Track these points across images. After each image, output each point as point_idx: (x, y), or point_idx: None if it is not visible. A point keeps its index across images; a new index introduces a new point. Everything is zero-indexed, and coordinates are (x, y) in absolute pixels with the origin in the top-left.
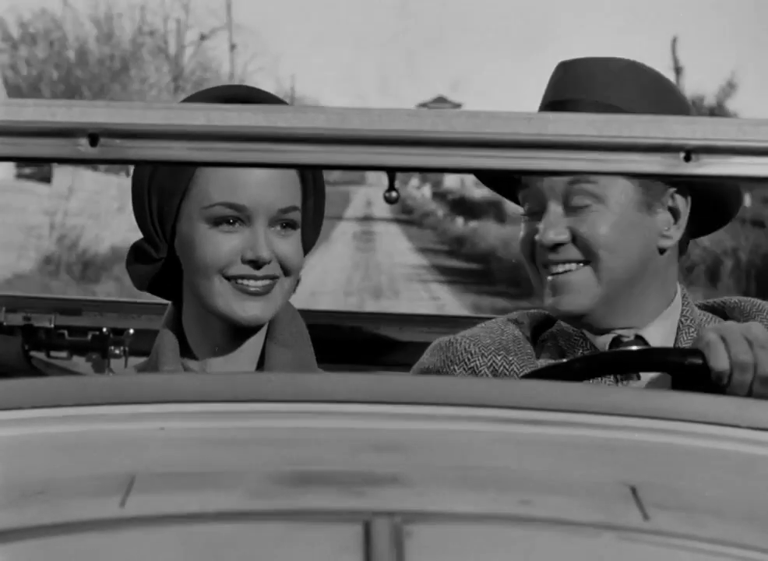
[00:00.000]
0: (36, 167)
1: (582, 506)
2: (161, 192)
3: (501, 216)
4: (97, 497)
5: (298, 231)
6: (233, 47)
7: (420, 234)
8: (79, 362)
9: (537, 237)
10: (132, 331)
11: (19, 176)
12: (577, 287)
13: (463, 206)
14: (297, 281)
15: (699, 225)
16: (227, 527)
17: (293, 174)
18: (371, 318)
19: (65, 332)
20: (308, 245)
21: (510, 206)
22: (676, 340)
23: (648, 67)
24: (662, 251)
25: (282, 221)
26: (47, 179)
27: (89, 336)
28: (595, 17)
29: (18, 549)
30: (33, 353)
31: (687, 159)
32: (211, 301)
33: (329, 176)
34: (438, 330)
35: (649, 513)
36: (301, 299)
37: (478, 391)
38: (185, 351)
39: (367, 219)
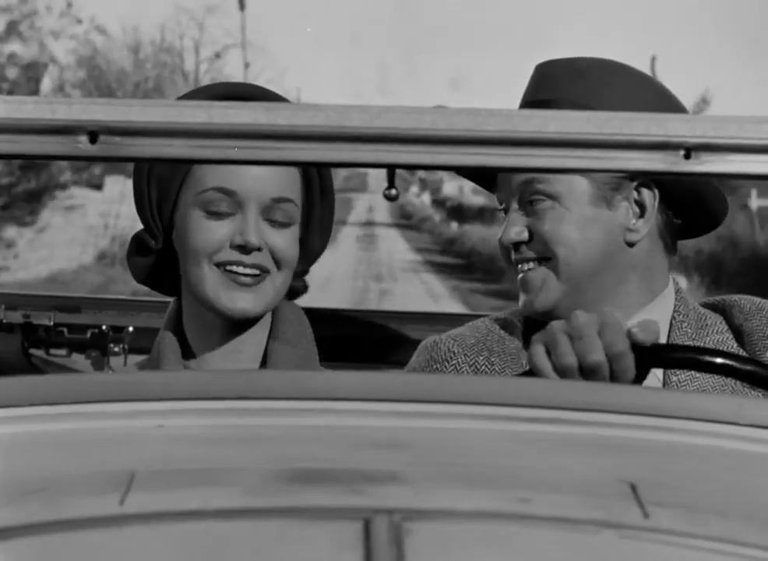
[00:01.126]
0: (89, 176)
1: (581, 504)
2: (160, 181)
3: (488, 220)
4: (97, 494)
5: (295, 227)
6: (247, 65)
7: (417, 236)
8: (79, 360)
9: (499, 236)
10: (131, 329)
11: (73, 183)
12: (539, 285)
13: (458, 212)
14: (305, 287)
15: (686, 228)
16: (227, 524)
17: (294, 170)
18: (371, 316)
19: (65, 329)
20: (318, 248)
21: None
22: (669, 335)
23: (622, 64)
24: (630, 244)
25: (276, 211)
26: (98, 187)
27: (89, 334)
28: (595, 18)
29: (17, 547)
30: (32, 350)
31: (687, 157)
32: (201, 290)
33: None
34: (438, 328)
35: (649, 511)
36: (315, 285)
37: (477, 389)
38: (187, 351)
39: (369, 224)
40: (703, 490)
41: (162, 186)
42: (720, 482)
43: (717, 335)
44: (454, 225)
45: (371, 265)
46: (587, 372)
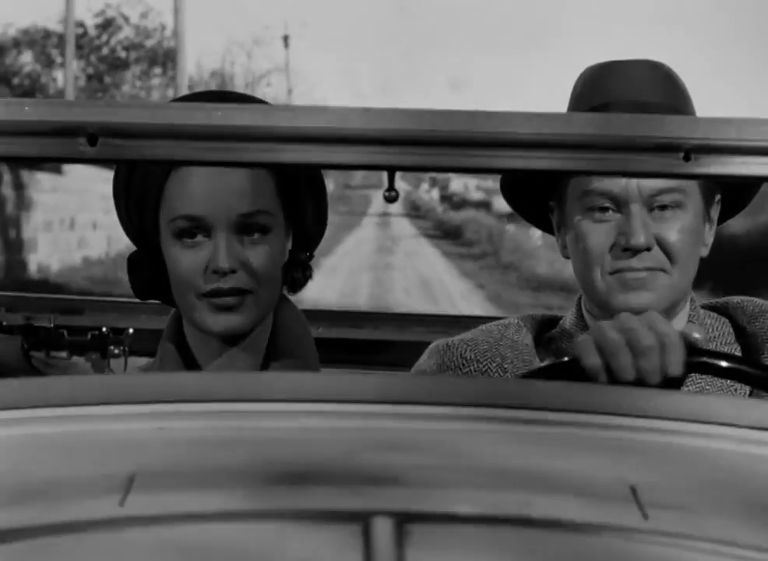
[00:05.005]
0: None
1: (581, 506)
2: (137, 205)
3: (470, 208)
4: (97, 497)
5: (273, 237)
6: (290, 91)
7: (422, 223)
8: (79, 362)
9: (622, 241)
10: (131, 330)
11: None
12: (654, 288)
13: (457, 205)
14: (308, 277)
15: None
16: (227, 526)
17: (263, 177)
18: (370, 317)
19: (65, 331)
20: (317, 233)
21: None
22: None
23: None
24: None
25: (247, 227)
26: None
27: (89, 336)
28: (595, 18)
29: (18, 549)
30: (32, 352)
31: (686, 158)
32: (188, 315)
33: (351, 180)
34: (437, 330)
35: (648, 513)
36: (351, 243)
37: (478, 391)
38: (189, 358)
39: (385, 215)
40: (703, 492)
41: (140, 211)
42: (719, 484)
43: (725, 347)
44: (450, 213)
45: (386, 234)
46: (642, 372)
